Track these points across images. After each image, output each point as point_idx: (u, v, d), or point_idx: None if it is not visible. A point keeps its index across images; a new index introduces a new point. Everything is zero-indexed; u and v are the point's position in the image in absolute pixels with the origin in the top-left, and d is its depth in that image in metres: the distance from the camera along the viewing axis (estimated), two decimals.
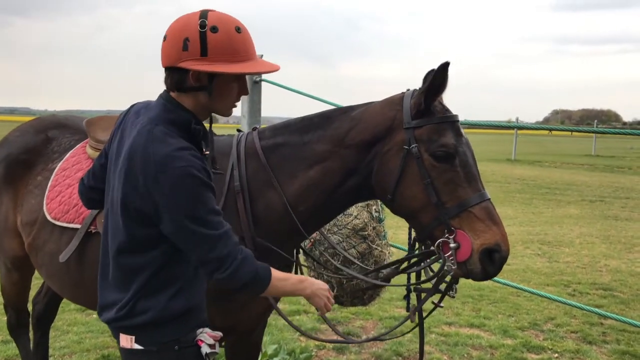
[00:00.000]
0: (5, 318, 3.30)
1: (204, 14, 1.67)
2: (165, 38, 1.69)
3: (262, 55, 2.10)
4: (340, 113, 2.16)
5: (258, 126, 2.35)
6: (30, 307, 3.38)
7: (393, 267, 2.35)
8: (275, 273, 1.75)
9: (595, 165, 21.72)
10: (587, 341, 4.45)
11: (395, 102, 2.06)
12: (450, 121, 1.99)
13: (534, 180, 15.56)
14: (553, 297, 3.48)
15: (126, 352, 1.74)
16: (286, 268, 2.31)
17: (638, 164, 22.67)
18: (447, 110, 2.01)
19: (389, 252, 2.89)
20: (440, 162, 1.93)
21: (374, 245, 2.82)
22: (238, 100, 1.79)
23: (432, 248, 2.06)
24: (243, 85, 1.75)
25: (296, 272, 2.47)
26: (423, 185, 1.93)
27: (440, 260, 2.03)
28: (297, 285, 1.83)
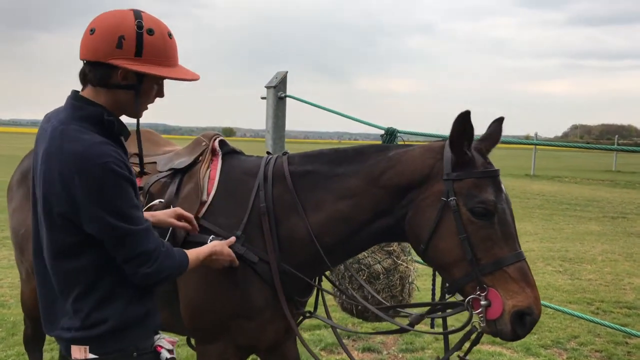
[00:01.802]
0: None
1: (138, 15, 1.69)
2: (93, 31, 1.66)
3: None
4: (375, 151, 2.16)
5: (288, 151, 2.38)
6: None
7: (419, 314, 2.25)
8: (190, 254, 1.83)
9: (616, 181, 21.40)
10: None
11: (435, 150, 2.03)
12: (491, 176, 1.95)
13: (554, 196, 15.39)
14: (577, 314, 3.46)
15: None
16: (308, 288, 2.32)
17: None
18: (488, 163, 1.97)
19: (414, 268, 2.91)
20: (479, 218, 1.89)
21: (399, 261, 2.84)
22: (153, 102, 1.81)
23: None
24: (161, 89, 1.79)
25: (317, 297, 2.49)
26: (459, 239, 1.90)
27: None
28: (206, 260, 1.95)
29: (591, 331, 4.97)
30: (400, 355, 4.37)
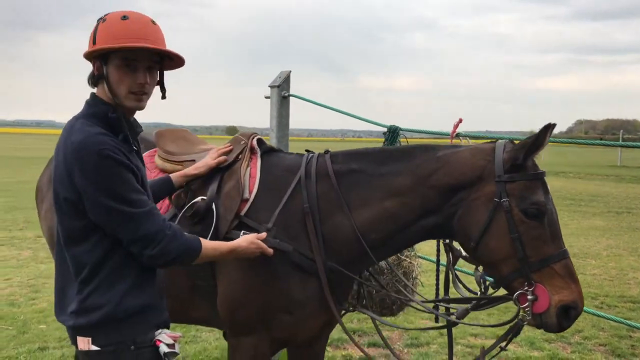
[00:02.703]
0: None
1: (120, 12, 1.81)
2: None
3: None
4: (422, 151, 2.20)
5: (329, 149, 2.42)
6: None
7: (464, 307, 2.30)
8: (206, 244, 1.87)
9: (621, 176, 21.36)
10: (616, 354, 4.42)
11: (486, 151, 2.09)
12: (540, 178, 2.03)
13: (559, 192, 15.37)
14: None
15: (84, 355, 1.79)
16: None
17: None
18: (537, 166, 2.05)
19: (417, 264, 2.94)
20: (530, 218, 1.98)
21: (402, 257, 2.87)
22: (139, 89, 1.79)
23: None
24: (131, 73, 1.77)
25: (360, 290, 2.54)
26: (510, 238, 1.98)
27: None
28: (227, 254, 1.99)
29: (595, 325, 5.01)
30: (405, 350, 4.41)
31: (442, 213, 2.11)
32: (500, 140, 2.13)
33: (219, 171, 2.38)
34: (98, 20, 1.82)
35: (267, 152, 2.48)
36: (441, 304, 2.47)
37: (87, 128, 1.72)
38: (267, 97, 4.00)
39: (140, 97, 1.81)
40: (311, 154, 2.39)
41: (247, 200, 2.25)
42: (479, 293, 2.44)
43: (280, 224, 2.19)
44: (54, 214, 2.83)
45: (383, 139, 3.42)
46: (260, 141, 2.47)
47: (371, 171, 2.21)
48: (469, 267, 2.54)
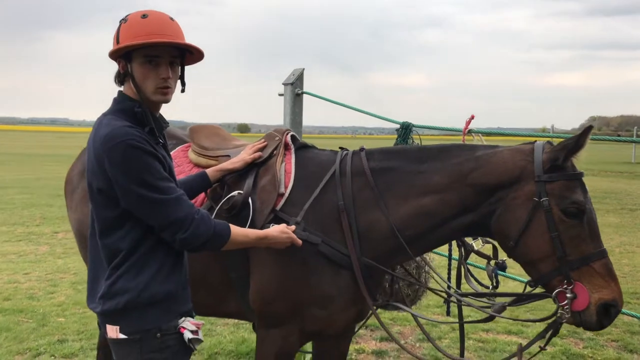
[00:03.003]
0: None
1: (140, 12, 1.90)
2: None
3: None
4: (461, 149, 2.24)
5: (364, 146, 2.45)
6: None
7: (502, 303, 2.31)
8: (236, 229, 1.93)
9: (635, 173, 21.16)
10: (628, 350, 4.43)
11: (525, 152, 2.13)
12: (579, 178, 2.06)
13: None
14: None
15: (113, 343, 1.88)
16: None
17: None
18: (575, 167, 2.08)
19: (429, 257, 2.98)
20: (570, 217, 2.02)
21: None
22: (163, 84, 1.87)
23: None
24: (155, 69, 1.85)
25: (392, 285, 2.57)
26: (549, 237, 2.02)
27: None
28: (257, 242, 2.03)
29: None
30: (417, 345, 4.46)
31: (479, 211, 2.15)
32: (538, 142, 2.16)
33: (254, 166, 2.43)
34: (120, 21, 1.90)
35: (301, 148, 2.53)
36: (468, 298, 2.43)
37: (114, 122, 1.82)
38: (280, 95, 4.05)
39: (165, 91, 1.89)
40: (345, 151, 2.43)
41: (282, 195, 2.30)
42: (490, 287, 2.48)
43: (312, 218, 2.24)
44: (84, 206, 2.91)
45: (395, 136, 3.46)
46: (293, 137, 2.52)
47: (409, 168, 2.25)
48: (481, 262, 2.58)
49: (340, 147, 2.52)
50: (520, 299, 2.27)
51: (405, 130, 3.37)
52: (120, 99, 1.92)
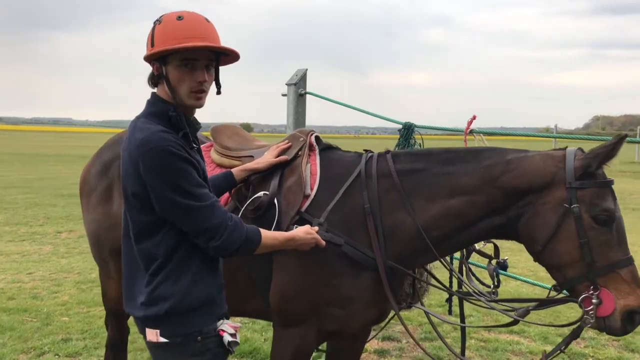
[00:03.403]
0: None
1: (175, 13, 1.86)
2: None
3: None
4: (491, 152, 2.24)
5: (390, 149, 2.45)
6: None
7: (525, 308, 2.31)
8: (265, 233, 1.93)
9: (639, 173, 21.12)
10: (630, 349, 4.43)
11: (556, 158, 2.13)
12: (609, 185, 2.07)
13: None
14: None
15: (152, 347, 1.87)
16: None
17: None
18: (605, 174, 2.09)
19: None
20: (600, 224, 2.02)
21: None
22: (199, 87, 1.85)
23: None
24: (190, 72, 1.82)
25: (414, 287, 2.59)
26: (578, 243, 2.02)
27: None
28: (285, 244, 2.02)
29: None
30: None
31: (507, 214, 2.15)
32: (569, 148, 2.16)
33: (279, 167, 2.43)
34: (154, 23, 1.85)
35: (325, 149, 2.53)
36: (482, 299, 2.42)
37: (149, 126, 1.79)
38: (284, 95, 4.07)
39: (200, 95, 1.87)
40: (370, 153, 2.44)
41: (308, 196, 2.31)
42: (492, 286, 2.50)
43: (337, 219, 2.24)
44: (103, 207, 2.89)
45: (398, 136, 3.48)
46: (317, 138, 2.52)
47: (436, 170, 2.25)
48: (482, 261, 2.59)
49: (364, 150, 2.52)
50: (543, 303, 2.27)
51: (408, 130, 3.39)
52: (154, 101, 1.89)
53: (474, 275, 2.55)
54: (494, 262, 2.53)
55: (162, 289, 1.81)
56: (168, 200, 1.75)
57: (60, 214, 10.19)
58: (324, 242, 2.13)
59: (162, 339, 1.83)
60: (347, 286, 2.23)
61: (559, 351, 2.14)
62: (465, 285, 2.51)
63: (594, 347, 4.44)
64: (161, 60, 1.83)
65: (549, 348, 4.35)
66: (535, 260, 2.19)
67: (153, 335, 1.84)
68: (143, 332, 1.88)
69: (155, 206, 1.78)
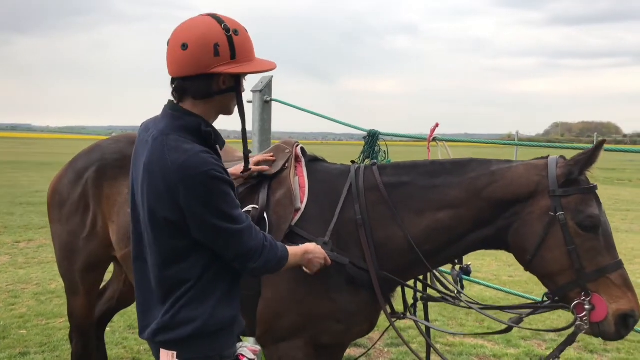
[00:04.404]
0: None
1: (219, 19, 1.72)
2: (185, 46, 1.67)
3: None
4: (476, 164, 2.25)
5: (376, 161, 2.44)
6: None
7: (519, 315, 2.32)
8: (289, 249, 1.90)
9: (595, 178, 21.67)
10: (589, 350, 4.56)
11: (539, 167, 2.15)
12: (593, 191, 2.10)
13: None
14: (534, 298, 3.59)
15: None
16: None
17: (638, 177, 22.76)
18: (589, 180, 2.11)
19: None
20: (586, 231, 2.04)
21: None
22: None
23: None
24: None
25: (416, 299, 2.58)
26: (566, 250, 2.04)
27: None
28: (303, 257, 1.98)
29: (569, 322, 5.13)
30: (386, 350, 4.50)
31: (495, 225, 2.17)
32: (552, 156, 2.18)
33: (265, 179, 2.38)
34: (228, 33, 1.70)
35: (311, 161, 2.49)
36: (472, 306, 2.43)
37: (186, 146, 1.66)
38: (249, 102, 4.05)
39: None
40: (357, 165, 2.42)
41: (298, 209, 2.27)
42: (455, 291, 2.53)
43: (332, 235, 2.22)
44: (78, 217, 2.77)
45: (363, 143, 3.50)
46: (303, 150, 2.48)
47: (423, 183, 2.25)
48: (447, 267, 2.63)
49: (352, 161, 2.50)
50: (536, 310, 2.30)
51: (372, 137, 3.42)
52: (179, 113, 1.73)
53: (438, 280, 2.57)
54: (457, 267, 2.56)
55: (185, 312, 1.71)
56: (209, 225, 1.66)
57: (18, 223, 9.85)
58: (330, 262, 2.10)
59: None
60: (345, 301, 2.22)
61: (554, 358, 2.15)
62: (462, 295, 2.51)
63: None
64: (237, 76, 1.75)
65: (512, 352, 4.49)
66: (526, 269, 2.20)
67: (168, 356, 1.73)
68: (157, 354, 1.77)
69: (193, 231, 1.67)
